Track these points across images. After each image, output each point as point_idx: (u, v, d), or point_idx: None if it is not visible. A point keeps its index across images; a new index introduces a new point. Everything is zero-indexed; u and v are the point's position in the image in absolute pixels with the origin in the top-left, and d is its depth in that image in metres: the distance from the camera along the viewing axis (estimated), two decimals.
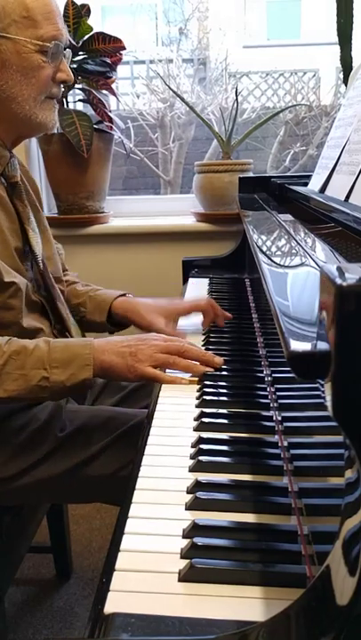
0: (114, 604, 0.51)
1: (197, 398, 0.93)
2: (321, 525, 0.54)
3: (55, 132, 1.95)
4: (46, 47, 1.04)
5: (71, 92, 2.00)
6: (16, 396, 0.96)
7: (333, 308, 0.36)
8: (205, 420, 0.84)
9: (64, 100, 1.95)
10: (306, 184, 1.33)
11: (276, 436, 0.79)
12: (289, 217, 1.10)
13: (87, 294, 1.30)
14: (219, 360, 1.02)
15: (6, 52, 1.02)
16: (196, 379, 0.99)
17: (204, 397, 0.92)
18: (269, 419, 0.85)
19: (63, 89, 1.20)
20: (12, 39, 1.02)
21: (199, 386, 0.97)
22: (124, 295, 1.28)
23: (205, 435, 0.79)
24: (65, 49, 1.10)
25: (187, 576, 0.53)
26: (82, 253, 2.06)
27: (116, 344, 0.99)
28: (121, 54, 1.95)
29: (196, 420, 0.85)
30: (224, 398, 0.94)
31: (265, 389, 0.95)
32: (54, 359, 0.96)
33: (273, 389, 0.91)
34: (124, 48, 1.93)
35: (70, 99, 2.04)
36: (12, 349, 0.96)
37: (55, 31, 1.05)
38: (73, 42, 1.86)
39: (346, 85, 1.62)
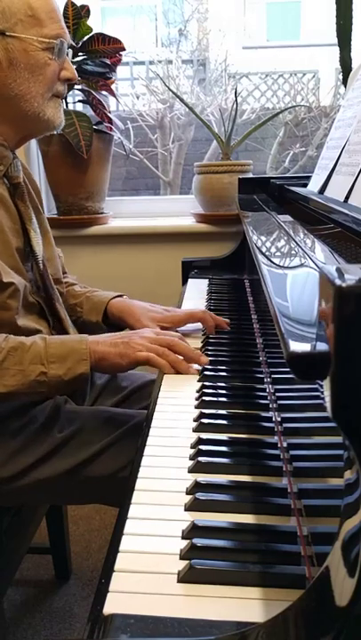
0: (113, 604, 0.50)
1: (197, 399, 0.93)
2: (320, 526, 0.54)
3: (55, 132, 1.96)
4: (52, 44, 1.07)
5: (71, 92, 2.00)
6: (15, 392, 0.97)
7: (333, 308, 0.36)
8: (205, 420, 0.84)
9: (64, 100, 1.95)
10: (305, 185, 1.33)
11: (276, 437, 0.79)
12: (288, 218, 1.10)
13: (85, 295, 1.31)
14: (205, 359, 1.05)
15: (14, 50, 1.04)
16: (194, 370, 1.03)
17: (204, 398, 0.92)
18: (269, 419, 0.85)
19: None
20: (19, 38, 1.04)
21: (199, 385, 0.97)
22: (120, 296, 1.29)
23: (205, 435, 0.79)
24: (67, 48, 1.12)
25: (186, 577, 0.53)
26: (81, 254, 2.06)
27: (109, 337, 1.04)
28: (121, 55, 1.95)
29: (195, 420, 0.85)
30: (223, 399, 0.94)
31: (264, 390, 0.95)
32: (51, 354, 0.98)
33: (272, 390, 0.91)
34: (123, 49, 1.93)
35: (70, 99, 2.04)
36: (10, 345, 0.98)
37: (59, 29, 1.08)
38: (73, 42, 1.86)
39: (345, 86, 1.62)
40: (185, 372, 1.02)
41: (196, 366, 1.04)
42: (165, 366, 1.02)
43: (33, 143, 2.09)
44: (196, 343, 1.16)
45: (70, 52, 1.15)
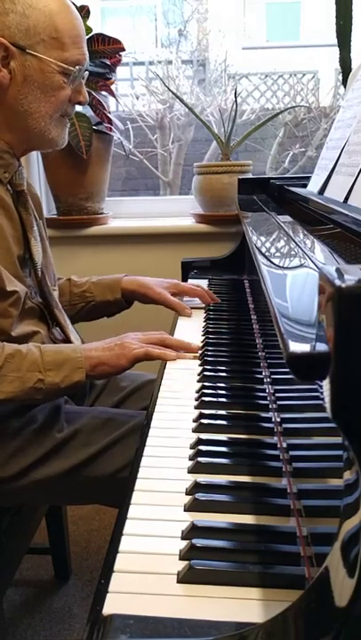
0: (112, 605, 0.50)
1: (196, 399, 0.93)
2: (320, 527, 0.54)
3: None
4: (70, 71, 1.07)
5: None
6: (12, 398, 0.99)
7: (333, 309, 0.37)
8: (204, 421, 0.84)
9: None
10: (305, 186, 1.33)
11: (276, 438, 0.79)
12: (288, 218, 1.10)
13: (89, 282, 1.37)
14: (195, 346, 1.13)
15: (30, 68, 1.04)
16: (192, 354, 1.10)
17: (204, 399, 0.92)
18: (268, 420, 0.85)
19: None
20: (38, 57, 1.04)
21: (199, 385, 0.97)
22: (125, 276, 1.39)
23: (204, 436, 0.79)
24: (84, 72, 1.13)
25: (186, 577, 0.53)
26: (81, 254, 2.06)
27: (101, 344, 1.07)
28: (120, 55, 1.95)
29: (195, 421, 0.85)
30: (223, 399, 0.94)
31: (264, 391, 0.95)
32: (47, 362, 1.00)
33: (272, 391, 0.91)
34: (123, 49, 1.93)
35: None
36: (7, 352, 0.99)
37: (80, 55, 1.08)
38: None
39: (345, 87, 1.62)
40: (183, 356, 1.09)
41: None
42: (165, 354, 1.07)
43: None
44: (196, 342, 1.16)
45: (87, 74, 1.14)
